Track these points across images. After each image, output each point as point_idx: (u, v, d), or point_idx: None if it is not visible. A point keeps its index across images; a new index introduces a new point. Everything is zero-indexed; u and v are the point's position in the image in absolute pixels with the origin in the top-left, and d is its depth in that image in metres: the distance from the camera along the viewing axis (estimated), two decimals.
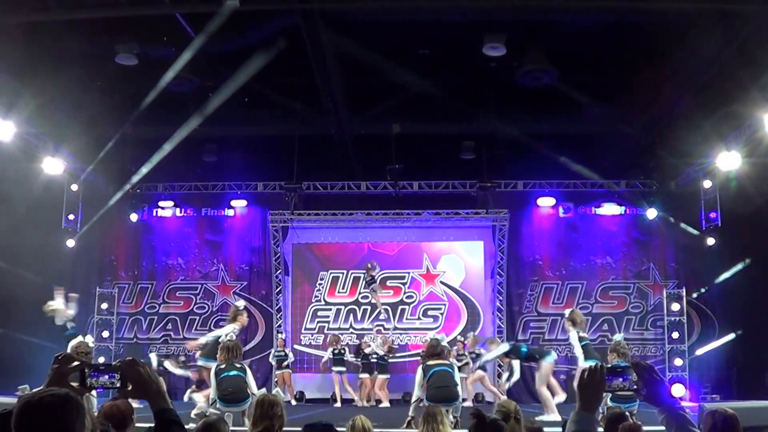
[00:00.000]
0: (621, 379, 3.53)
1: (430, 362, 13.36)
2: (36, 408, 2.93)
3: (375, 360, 22.97)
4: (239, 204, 26.15)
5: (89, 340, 17.31)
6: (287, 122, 21.89)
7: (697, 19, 15.94)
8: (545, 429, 8.23)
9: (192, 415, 14.34)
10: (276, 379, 23.98)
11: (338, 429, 6.89)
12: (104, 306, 25.50)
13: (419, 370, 13.50)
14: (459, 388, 13.31)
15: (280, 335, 24.71)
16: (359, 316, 25.84)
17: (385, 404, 22.54)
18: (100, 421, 6.40)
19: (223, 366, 13.10)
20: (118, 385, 3.49)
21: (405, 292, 25.87)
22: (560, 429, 9.95)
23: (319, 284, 26.16)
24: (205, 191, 26.14)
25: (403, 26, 17.59)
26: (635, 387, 3.54)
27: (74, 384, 3.50)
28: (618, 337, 15.46)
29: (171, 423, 3.43)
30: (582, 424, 3.41)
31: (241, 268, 26.53)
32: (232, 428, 8.98)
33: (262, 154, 24.00)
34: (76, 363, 3.54)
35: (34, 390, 3.23)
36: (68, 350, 19.52)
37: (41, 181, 21.03)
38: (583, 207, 25.68)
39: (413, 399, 13.68)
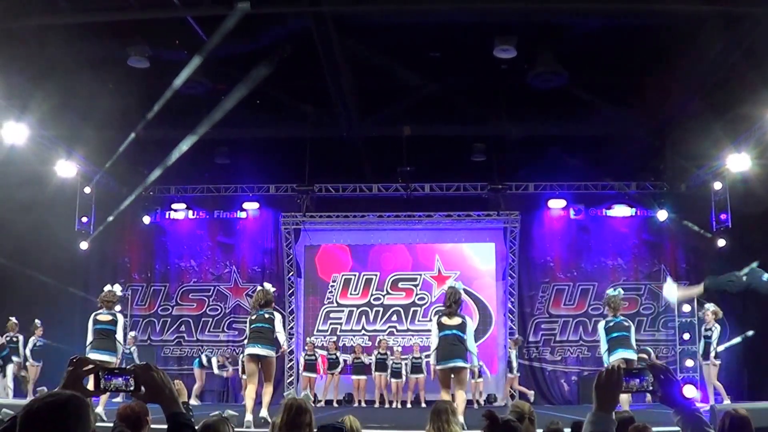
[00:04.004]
0: (638, 380, 3.56)
1: (444, 321, 13.49)
2: (39, 411, 2.97)
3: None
4: (251, 206, 26.15)
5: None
6: (299, 125, 21.98)
7: (706, 21, 15.96)
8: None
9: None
10: (302, 383, 24.16)
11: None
12: (117, 308, 25.45)
13: (434, 322, 13.75)
14: (465, 350, 13.41)
15: (309, 339, 24.74)
16: (371, 317, 25.88)
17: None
18: (116, 423, 6.46)
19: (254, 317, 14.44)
20: (131, 388, 3.53)
21: (417, 294, 25.90)
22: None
23: (331, 286, 26.22)
24: (217, 193, 26.20)
25: (413, 29, 17.64)
26: (651, 388, 3.57)
27: (89, 387, 3.55)
28: (612, 291, 15.38)
29: (183, 426, 3.46)
30: (599, 425, 3.44)
31: (254, 270, 26.55)
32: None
33: (274, 156, 24.02)
34: (90, 366, 3.59)
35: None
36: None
37: (54, 184, 21.11)
38: (594, 209, 25.64)
39: (432, 348, 14.00)
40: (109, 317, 15.39)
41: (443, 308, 13.87)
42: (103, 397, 14.36)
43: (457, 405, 11.91)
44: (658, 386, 3.57)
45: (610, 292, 15.25)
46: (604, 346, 14.48)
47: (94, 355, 13.98)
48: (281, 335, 14.48)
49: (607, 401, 3.50)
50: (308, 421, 6.35)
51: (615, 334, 14.51)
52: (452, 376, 13.28)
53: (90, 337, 15.19)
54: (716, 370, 18.77)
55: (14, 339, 21.09)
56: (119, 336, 15.41)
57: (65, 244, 22.64)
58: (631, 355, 14.35)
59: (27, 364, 21.06)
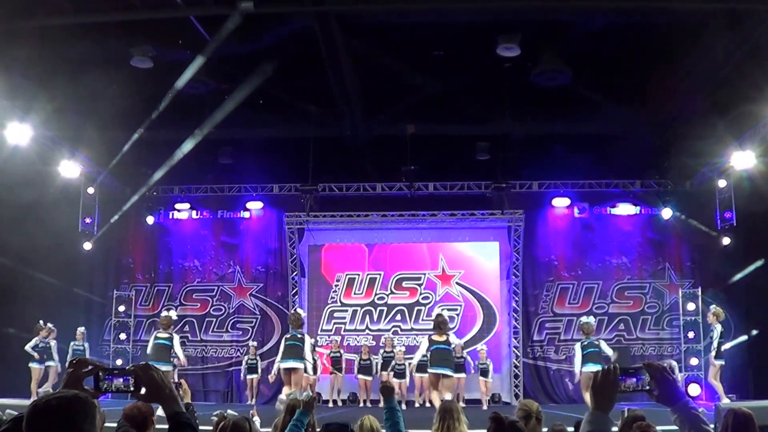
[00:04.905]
0: (634, 380, 3.55)
1: (435, 338, 16.59)
2: (43, 411, 2.96)
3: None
4: (255, 206, 26.14)
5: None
6: (302, 124, 21.97)
7: (710, 19, 15.93)
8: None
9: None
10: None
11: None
12: (121, 308, 25.61)
13: (425, 340, 17.13)
14: (452, 360, 16.88)
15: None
16: (375, 317, 25.89)
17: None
18: (121, 423, 6.45)
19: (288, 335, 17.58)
20: (131, 388, 3.52)
21: (421, 293, 25.89)
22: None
23: (336, 285, 26.22)
24: (221, 193, 26.20)
25: (417, 28, 17.64)
26: (648, 387, 3.56)
27: (88, 387, 3.54)
28: (584, 319, 18.78)
29: (184, 426, 3.45)
30: (596, 424, 3.43)
31: (258, 269, 26.56)
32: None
33: (278, 156, 24.01)
34: (90, 367, 3.58)
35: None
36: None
37: (58, 184, 21.13)
38: (598, 207, 25.58)
39: (414, 360, 19.67)
40: (167, 335, 18.66)
41: (433, 330, 17.00)
42: None
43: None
44: (655, 385, 3.56)
45: (583, 319, 18.88)
46: (578, 362, 17.91)
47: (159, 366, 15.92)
48: (309, 358, 17.64)
49: (605, 401, 3.49)
50: (311, 422, 6.34)
51: (588, 351, 17.82)
52: (441, 381, 16.34)
53: (150, 350, 18.61)
54: (715, 369, 19.07)
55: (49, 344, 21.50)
56: (177, 350, 18.85)
57: (69, 245, 22.65)
58: (600, 367, 15.47)
59: (30, 365, 21.13)
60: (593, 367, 16.96)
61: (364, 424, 6.98)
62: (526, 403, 7.21)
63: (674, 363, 23.25)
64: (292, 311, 18.93)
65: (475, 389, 23.56)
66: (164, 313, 19.66)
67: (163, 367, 16.91)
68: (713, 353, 19.14)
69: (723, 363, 19.20)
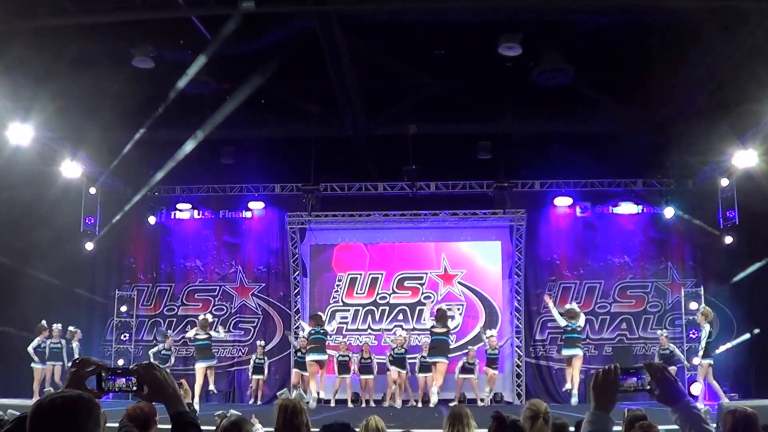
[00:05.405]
0: (635, 379, 3.55)
1: (435, 330, 20.02)
2: (47, 410, 2.97)
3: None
4: (257, 206, 26.15)
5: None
6: (304, 124, 21.96)
7: (712, 16, 15.90)
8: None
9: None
10: (293, 380, 24.16)
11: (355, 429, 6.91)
12: (123, 309, 25.62)
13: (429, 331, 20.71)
14: (445, 348, 20.31)
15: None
16: (377, 316, 25.87)
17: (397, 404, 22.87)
18: (123, 423, 6.45)
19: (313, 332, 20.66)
20: (134, 388, 3.52)
21: (423, 293, 25.86)
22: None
23: (337, 285, 26.20)
24: (222, 193, 26.19)
25: (418, 27, 17.61)
26: (649, 387, 3.56)
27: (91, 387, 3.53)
28: (568, 306, 21.26)
29: (188, 425, 3.45)
30: (597, 424, 3.43)
31: (259, 269, 26.57)
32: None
33: (279, 156, 24.00)
34: (93, 367, 3.58)
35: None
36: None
37: (59, 185, 21.14)
38: (600, 206, 25.58)
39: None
40: (206, 335, 21.10)
41: (435, 321, 20.44)
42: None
43: (435, 385, 19.56)
44: (656, 385, 3.56)
45: (566, 306, 21.31)
46: (557, 315, 20.97)
47: (200, 364, 20.87)
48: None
49: (605, 401, 3.49)
50: (305, 421, 6.31)
51: (569, 335, 20.37)
52: (436, 367, 19.95)
53: (194, 350, 21.27)
54: (704, 369, 19.14)
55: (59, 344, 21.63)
56: (223, 336, 22.54)
57: (70, 245, 22.67)
58: (578, 351, 20.25)
59: (32, 365, 21.17)
60: (571, 351, 20.24)
61: (369, 424, 6.96)
62: (535, 403, 7.18)
63: (673, 346, 23.29)
64: (313, 314, 22.28)
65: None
66: (201, 316, 21.94)
67: (210, 363, 21.12)
68: (701, 353, 19.24)
69: (712, 362, 19.24)
